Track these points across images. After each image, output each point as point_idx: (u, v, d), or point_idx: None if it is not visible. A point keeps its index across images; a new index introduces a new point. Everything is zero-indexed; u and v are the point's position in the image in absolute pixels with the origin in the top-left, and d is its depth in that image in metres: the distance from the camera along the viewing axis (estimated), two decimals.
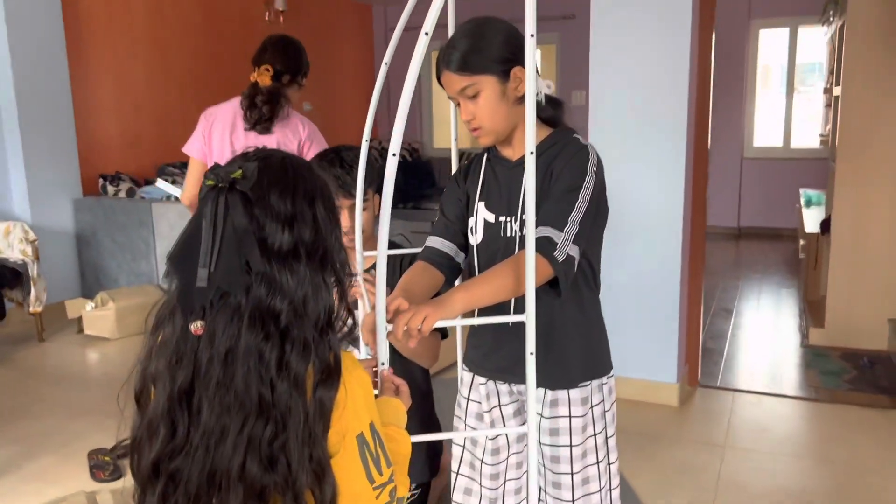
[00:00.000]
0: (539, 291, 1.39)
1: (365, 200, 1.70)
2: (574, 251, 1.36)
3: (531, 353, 1.24)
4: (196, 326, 0.89)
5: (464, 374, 1.68)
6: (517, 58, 1.40)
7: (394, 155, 1.13)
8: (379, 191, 1.72)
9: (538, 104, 1.49)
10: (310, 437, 0.90)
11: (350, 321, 0.99)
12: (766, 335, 4.36)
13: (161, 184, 4.90)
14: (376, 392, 1.15)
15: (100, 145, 5.33)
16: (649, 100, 3.16)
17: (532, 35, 1.14)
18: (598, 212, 1.49)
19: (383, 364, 1.18)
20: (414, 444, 1.74)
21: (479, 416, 1.65)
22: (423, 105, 8.59)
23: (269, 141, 2.52)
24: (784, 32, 7.21)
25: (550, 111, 1.50)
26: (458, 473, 1.68)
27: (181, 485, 0.91)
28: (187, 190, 2.67)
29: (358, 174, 1.60)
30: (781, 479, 2.73)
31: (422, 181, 7.56)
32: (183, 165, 5.05)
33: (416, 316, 1.19)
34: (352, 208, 1.73)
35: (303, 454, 0.90)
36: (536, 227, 1.31)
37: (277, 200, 0.90)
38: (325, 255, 0.94)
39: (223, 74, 6.33)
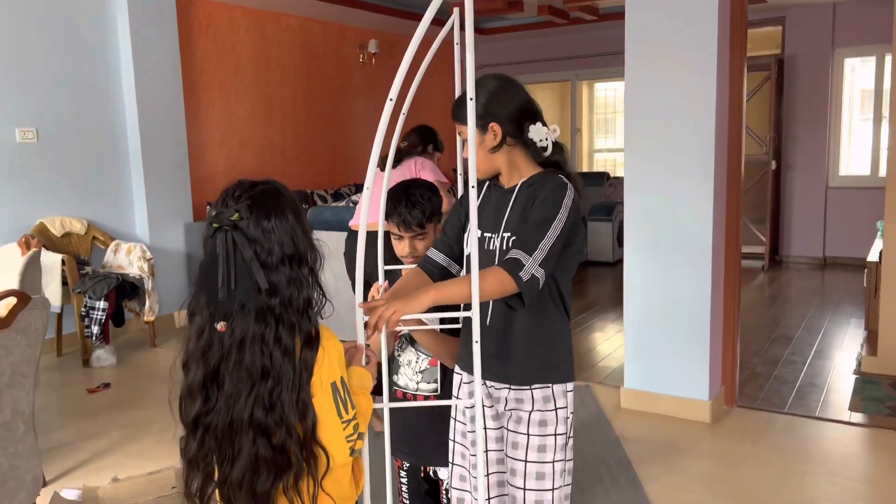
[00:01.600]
0: (507, 302, 1.72)
1: (424, 232, 2.05)
2: (539, 273, 1.63)
3: (476, 342, 1.57)
4: (221, 325, 1.27)
5: (456, 375, 2.01)
6: (495, 115, 1.74)
7: (367, 188, 1.52)
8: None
9: (543, 150, 1.78)
10: (298, 386, 1.29)
11: (324, 300, 1.37)
12: (821, 362, 4.40)
13: None
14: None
15: (209, 176, 6.06)
16: (678, 131, 3.42)
17: (471, 98, 1.50)
18: (568, 241, 1.73)
19: (361, 343, 1.56)
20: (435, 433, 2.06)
21: (463, 412, 1.94)
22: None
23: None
24: (870, 61, 7.12)
25: (551, 158, 1.79)
26: (453, 463, 1.96)
27: (211, 432, 1.32)
28: None
29: (416, 212, 2.00)
30: (789, 492, 2.88)
31: None
32: None
33: (388, 310, 1.56)
34: (412, 238, 2.08)
35: (292, 398, 1.29)
36: (512, 249, 1.65)
37: (267, 226, 1.29)
38: (301, 255, 1.33)
39: (320, 112, 7.00)
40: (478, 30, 8.14)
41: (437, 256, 1.92)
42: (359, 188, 6.96)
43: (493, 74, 1.83)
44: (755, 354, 4.53)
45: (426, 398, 2.08)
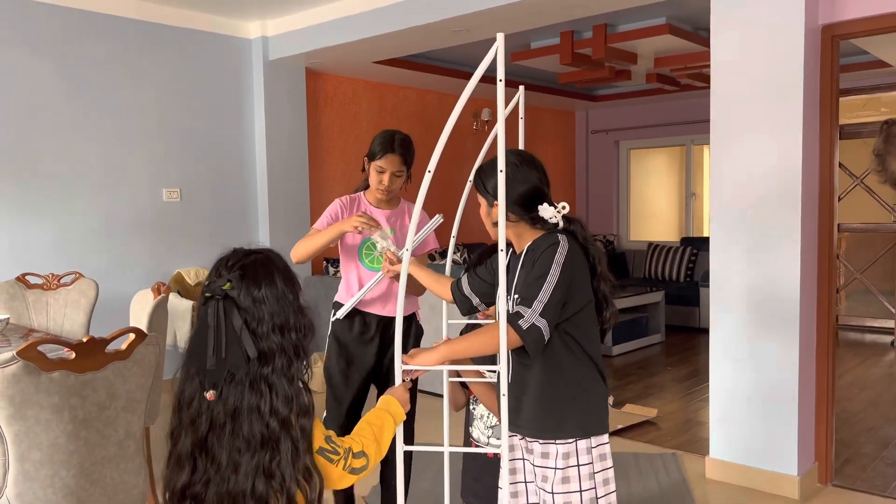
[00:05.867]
0: (518, 356, 1.84)
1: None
2: (541, 322, 1.74)
3: (504, 395, 1.73)
4: (210, 394, 1.31)
5: None
6: (496, 194, 1.85)
7: (407, 250, 1.74)
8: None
9: (555, 226, 1.90)
10: (299, 454, 1.34)
11: (308, 371, 1.45)
12: None
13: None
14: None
15: None
16: (764, 200, 3.42)
17: (501, 170, 1.69)
18: (570, 293, 1.81)
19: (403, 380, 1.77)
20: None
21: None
22: (620, 200, 9.01)
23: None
24: None
25: (565, 229, 1.91)
26: None
27: (199, 503, 1.33)
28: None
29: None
30: None
31: (616, 274, 7.92)
32: None
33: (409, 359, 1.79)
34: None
35: (292, 468, 1.33)
36: (517, 305, 1.79)
37: (258, 295, 1.34)
38: (290, 324, 1.37)
39: (434, 176, 7.37)
40: (589, 97, 8.33)
41: (469, 294, 2.06)
42: (467, 247, 7.23)
43: (513, 153, 1.94)
44: (863, 433, 4.27)
45: (496, 454, 2.19)
